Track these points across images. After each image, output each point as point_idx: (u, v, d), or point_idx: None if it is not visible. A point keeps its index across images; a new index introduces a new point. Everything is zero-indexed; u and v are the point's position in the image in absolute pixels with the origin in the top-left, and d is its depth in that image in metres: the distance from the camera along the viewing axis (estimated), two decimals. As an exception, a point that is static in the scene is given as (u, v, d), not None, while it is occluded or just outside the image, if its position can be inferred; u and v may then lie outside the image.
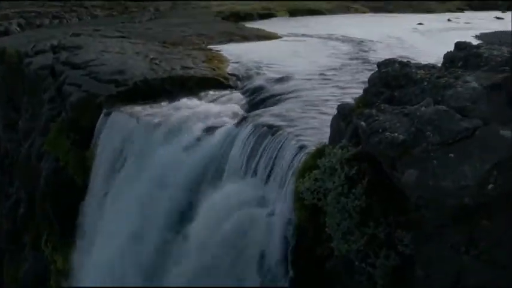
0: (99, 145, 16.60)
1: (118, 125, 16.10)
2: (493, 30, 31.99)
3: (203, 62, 19.89)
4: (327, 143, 9.22)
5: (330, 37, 28.27)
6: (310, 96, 14.87)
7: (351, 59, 20.95)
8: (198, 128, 14.02)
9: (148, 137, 14.85)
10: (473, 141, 6.41)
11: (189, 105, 15.68)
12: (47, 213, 18.79)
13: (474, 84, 7.20)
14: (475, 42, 22.13)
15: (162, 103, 16.35)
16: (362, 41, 26.27)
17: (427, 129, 6.60)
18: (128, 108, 16.26)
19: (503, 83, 7.07)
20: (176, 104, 15.92)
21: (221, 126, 13.89)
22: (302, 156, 10.30)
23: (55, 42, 24.43)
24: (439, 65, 8.97)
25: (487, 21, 39.52)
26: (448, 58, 8.73)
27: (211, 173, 12.89)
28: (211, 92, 17.11)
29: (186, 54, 21.39)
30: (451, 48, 9.08)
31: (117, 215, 14.76)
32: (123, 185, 14.95)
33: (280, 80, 16.91)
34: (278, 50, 23.75)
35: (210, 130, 13.88)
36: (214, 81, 17.87)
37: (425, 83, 7.94)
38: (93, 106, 17.13)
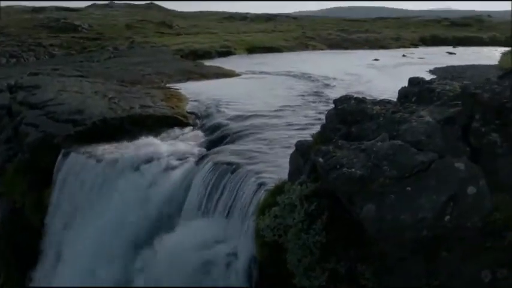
0: (57, 186, 16.32)
1: (76, 166, 15.86)
2: (446, 65, 32.84)
3: (162, 100, 19.87)
4: (286, 179, 9.26)
5: (288, 74, 28.66)
6: (269, 134, 14.95)
7: (309, 95, 21.21)
8: (157, 166, 13.94)
9: (107, 177, 14.67)
10: (429, 174, 6.53)
11: (148, 144, 15.58)
12: (3, 255, 18.31)
13: (428, 118, 7.36)
14: (429, 77, 22.70)
15: (121, 142, 16.20)
16: (319, 78, 26.69)
17: (384, 164, 6.70)
18: (87, 148, 16.05)
19: (456, 117, 7.25)
20: (135, 143, 15.80)
21: (180, 164, 13.83)
22: (262, 194, 10.30)
23: (12, 82, 24.15)
24: (395, 100, 9.14)
25: (439, 56, 40.64)
26: (403, 93, 8.93)
27: (170, 212, 12.77)
28: (170, 131, 17.07)
29: (145, 93, 21.36)
30: (406, 83, 9.30)
31: (74, 257, 14.46)
32: (81, 226, 14.70)
33: (239, 118, 16.98)
34: (237, 87, 23.93)
35: (169, 168, 13.80)
36: (174, 120, 17.86)
37: (381, 119, 8.08)
38: (50, 146, 16.87)
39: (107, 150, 15.73)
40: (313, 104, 19.15)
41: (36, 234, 16.55)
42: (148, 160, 14.36)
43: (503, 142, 6.71)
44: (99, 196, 14.62)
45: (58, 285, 14.61)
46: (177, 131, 17.19)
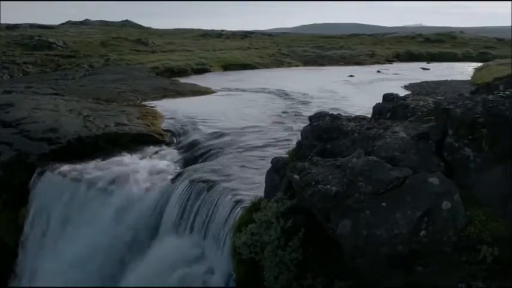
0: (32, 205, 16.12)
1: (51, 184, 15.70)
2: (420, 81, 33.24)
3: (138, 118, 19.81)
4: (263, 196, 9.26)
5: (263, 91, 28.76)
6: (245, 151, 14.98)
7: (284, 112, 21.30)
8: (133, 185, 13.85)
9: (82, 196, 14.55)
10: (404, 189, 6.57)
11: (124, 162, 15.52)
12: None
13: (402, 134, 7.42)
14: (403, 92, 22.93)
15: (97, 161, 16.10)
16: (295, 94, 26.82)
17: (359, 180, 6.72)
18: (62, 167, 15.91)
19: (430, 132, 7.32)
20: (111, 161, 15.72)
21: (156, 182, 13.77)
22: (238, 211, 10.29)
23: (-15, 100, 23.84)
24: (369, 116, 9.21)
25: (414, 72, 41.11)
26: (377, 110, 8.99)
27: (147, 231, 12.68)
28: (146, 149, 17.02)
29: (120, 110, 21.27)
30: (381, 99, 9.37)
31: (48, 280, 14.25)
32: (56, 246, 14.52)
33: (215, 135, 16.99)
34: (213, 105, 23.94)
35: (145, 187, 13.74)
36: (149, 138, 17.81)
37: (356, 135, 8.13)
38: (25, 165, 16.69)
39: (82, 169, 15.59)
40: (289, 121, 19.23)
41: (10, 254, 16.30)
42: (124, 179, 14.27)
43: (476, 157, 6.79)
44: (74, 216, 14.48)
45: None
46: (153, 148, 17.15)
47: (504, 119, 6.52)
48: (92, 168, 15.56)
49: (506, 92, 6.93)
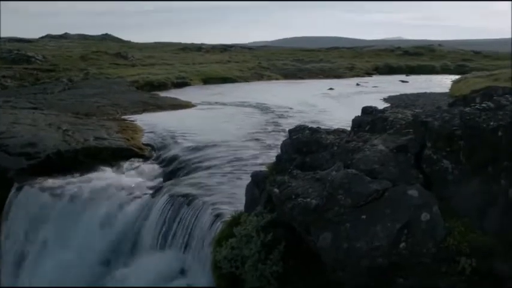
0: (10, 221, 15.94)
1: (30, 200, 15.54)
2: (399, 93, 33.50)
3: (117, 132, 19.71)
4: (243, 210, 9.24)
5: (243, 104, 28.81)
6: (225, 165, 14.97)
7: (264, 125, 21.34)
8: (113, 200, 13.76)
9: (62, 211, 14.40)
10: (384, 202, 6.60)
11: (104, 177, 15.42)
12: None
13: (381, 147, 7.46)
14: (383, 105, 23.06)
15: (76, 175, 15.98)
16: (275, 108, 26.90)
17: (339, 193, 6.74)
18: (41, 182, 15.76)
19: (409, 145, 7.38)
20: (90, 176, 15.61)
21: (136, 197, 13.70)
22: (218, 225, 10.27)
23: (-37, 114, 23.60)
24: (349, 129, 9.25)
25: (393, 85, 41.47)
26: (356, 123, 9.03)
27: (127, 246, 12.61)
28: (126, 163, 16.93)
29: (99, 124, 21.17)
30: (360, 111, 9.42)
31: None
32: (35, 262, 14.35)
33: (195, 149, 16.96)
34: (193, 119, 23.93)
35: (125, 202, 13.65)
36: (129, 152, 17.72)
37: (336, 148, 8.17)
38: (3, 180, 16.51)
39: (61, 183, 15.46)
40: (269, 134, 19.26)
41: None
42: (104, 193, 14.17)
43: (454, 169, 6.85)
44: (53, 231, 14.32)
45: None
46: (132, 163, 17.06)
47: (481, 131, 6.59)
48: (71, 183, 15.42)
49: (483, 105, 7.01)
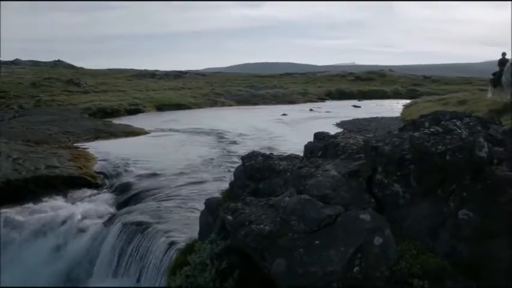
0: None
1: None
2: (352, 118, 34.01)
3: (69, 160, 19.47)
4: (197, 238, 9.18)
5: (196, 131, 28.82)
6: (179, 192, 14.92)
7: (218, 152, 21.37)
8: (64, 230, 13.52)
9: (11, 241, 14.06)
10: (337, 226, 6.63)
11: (55, 206, 15.17)
12: None
13: (333, 172, 7.52)
14: (336, 130, 23.33)
15: (27, 204, 15.66)
16: (228, 134, 26.98)
17: (292, 219, 6.75)
18: (-11, 212, 15.40)
19: (360, 170, 7.45)
20: (41, 205, 15.33)
21: (89, 226, 13.49)
22: (173, 253, 10.17)
23: None
24: (302, 154, 9.31)
25: (346, 110, 42.09)
26: (309, 148, 9.09)
27: (80, 276, 12.36)
28: (78, 191, 16.72)
29: (51, 153, 20.86)
30: (313, 136, 9.50)
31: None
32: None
33: (148, 177, 16.89)
34: (146, 146, 23.83)
35: (77, 231, 13.43)
36: (81, 180, 17.52)
37: (288, 174, 8.20)
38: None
39: (11, 213, 15.12)
40: (222, 161, 19.29)
41: None
42: (55, 223, 13.93)
43: (405, 192, 6.94)
44: (2, 262, 13.95)
45: None
46: (85, 191, 16.88)
47: (429, 155, 6.71)
48: (22, 213, 15.11)
49: (431, 129, 7.15)
